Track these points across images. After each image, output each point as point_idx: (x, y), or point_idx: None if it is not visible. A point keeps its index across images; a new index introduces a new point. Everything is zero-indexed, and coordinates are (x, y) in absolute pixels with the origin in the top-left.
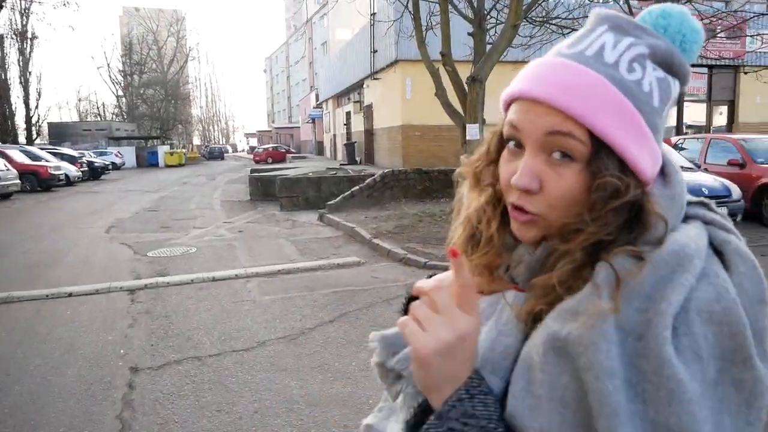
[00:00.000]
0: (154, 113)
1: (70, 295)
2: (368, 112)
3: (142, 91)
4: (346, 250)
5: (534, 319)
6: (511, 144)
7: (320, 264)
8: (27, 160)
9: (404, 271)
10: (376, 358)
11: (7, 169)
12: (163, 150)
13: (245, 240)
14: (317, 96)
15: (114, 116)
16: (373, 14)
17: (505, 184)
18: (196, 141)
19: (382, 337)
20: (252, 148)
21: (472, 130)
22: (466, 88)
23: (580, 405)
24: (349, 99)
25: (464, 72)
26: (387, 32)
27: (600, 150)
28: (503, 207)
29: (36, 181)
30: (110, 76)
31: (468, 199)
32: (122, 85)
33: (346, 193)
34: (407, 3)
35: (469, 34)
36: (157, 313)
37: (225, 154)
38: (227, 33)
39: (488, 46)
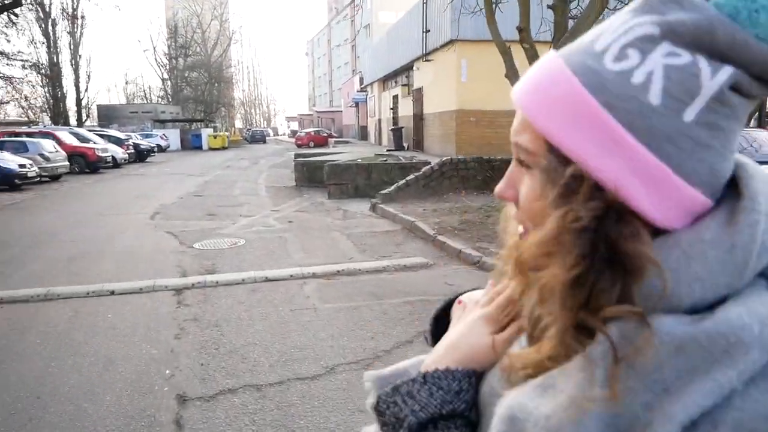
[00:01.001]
0: (198, 96)
1: (112, 293)
2: (418, 95)
3: (186, 74)
4: (408, 247)
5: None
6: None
7: (384, 265)
8: (76, 142)
9: (481, 277)
10: (371, 400)
11: (57, 151)
12: (206, 133)
13: (296, 232)
14: (362, 79)
15: (159, 99)
16: None
17: None
18: (238, 124)
19: (377, 378)
20: (293, 132)
21: None
22: None
23: None
24: (396, 82)
25: (539, 51)
26: (445, 9)
27: (564, 161)
28: None
29: (84, 163)
30: (156, 60)
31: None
32: (167, 68)
33: (401, 182)
34: None
35: (549, 6)
36: (206, 321)
37: (266, 138)
38: (270, 16)
39: (570, 22)
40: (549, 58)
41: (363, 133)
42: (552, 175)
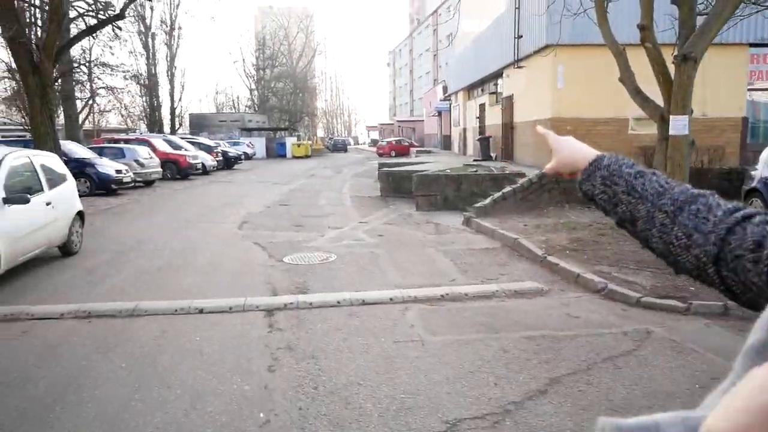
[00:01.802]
0: (283, 106)
1: (201, 311)
2: (507, 103)
3: (272, 85)
4: (514, 269)
5: None
6: None
7: (492, 290)
8: (169, 149)
9: (610, 309)
10: None
11: (151, 158)
12: (290, 141)
13: (388, 247)
14: (445, 88)
15: (247, 108)
16: None
17: None
18: (320, 133)
19: (617, 430)
20: (374, 141)
21: (679, 123)
22: (672, 69)
23: None
24: (483, 90)
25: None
26: (543, 13)
27: None
28: None
29: (176, 169)
30: (244, 71)
31: None
32: (255, 78)
33: (496, 195)
34: None
35: (673, 2)
36: (301, 351)
37: (347, 147)
38: (353, 28)
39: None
40: None
41: (446, 143)
42: None
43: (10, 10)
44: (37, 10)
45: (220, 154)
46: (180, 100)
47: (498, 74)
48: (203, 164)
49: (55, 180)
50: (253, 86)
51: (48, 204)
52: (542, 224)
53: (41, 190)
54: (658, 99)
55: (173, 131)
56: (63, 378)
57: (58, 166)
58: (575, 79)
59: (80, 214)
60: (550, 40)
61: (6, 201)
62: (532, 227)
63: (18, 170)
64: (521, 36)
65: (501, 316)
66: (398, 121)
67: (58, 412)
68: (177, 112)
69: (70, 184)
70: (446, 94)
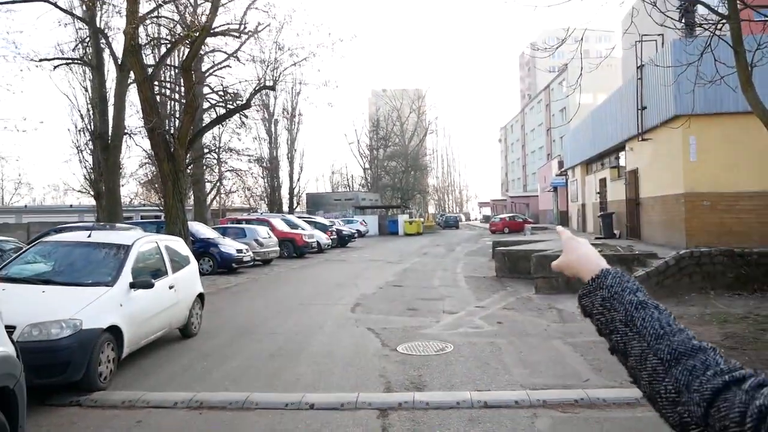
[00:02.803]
0: (396, 183)
1: (312, 407)
2: (631, 178)
3: (385, 164)
4: None
5: None
6: None
7: (636, 396)
8: (286, 228)
9: None
10: None
11: (270, 237)
12: (402, 219)
13: (509, 337)
14: (561, 163)
15: (360, 187)
16: (641, 66)
17: None
18: (431, 209)
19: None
20: (486, 217)
21: None
22: None
23: None
24: (603, 165)
25: None
26: (672, 83)
27: None
28: None
29: (292, 248)
30: (359, 151)
31: None
32: (368, 158)
33: None
34: (708, 41)
35: None
36: None
37: (459, 223)
38: (464, 105)
39: None
40: None
41: (562, 219)
42: None
43: (152, 105)
44: (175, 103)
45: (334, 233)
46: (298, 180)
47: (620, 147)
48: (318, 242)
49: (179, 263)
50: (367, 165)
51: (171, 287)
52: (685, 314)
53: (165, 273)
54: None
55: (291, 210)
56: None
57: (183, 249)
58: (710, 150)
59: (201, 297)
60: (679, 111)
61: (132, 285)
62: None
63: (146, 255)
64: (645, 107)
65: (650, 430)
66: (511, 196)
67: None
68: (295, 191)
69: (193, 267)
70: (562, 169)
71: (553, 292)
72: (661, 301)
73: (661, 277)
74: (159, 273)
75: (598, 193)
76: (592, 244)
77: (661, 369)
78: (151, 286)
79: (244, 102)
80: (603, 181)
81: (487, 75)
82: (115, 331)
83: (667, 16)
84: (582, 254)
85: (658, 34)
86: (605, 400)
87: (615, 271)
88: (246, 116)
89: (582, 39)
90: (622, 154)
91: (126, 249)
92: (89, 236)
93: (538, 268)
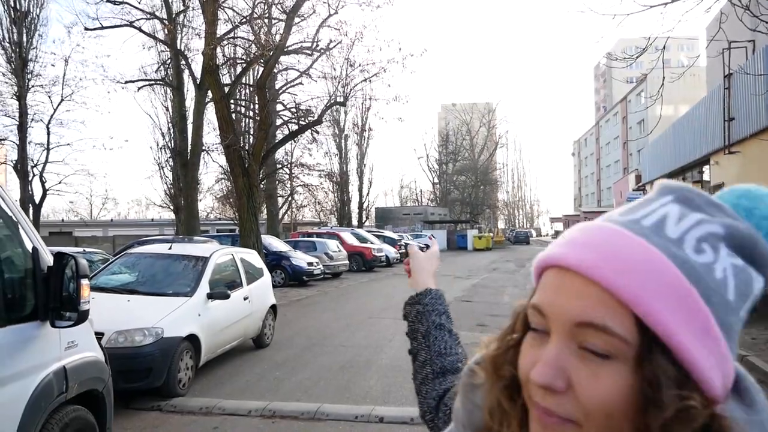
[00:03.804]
0: (465, 198)
1: (381, 420)
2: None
3: (454, 178)
4: None
5: None
6: (536, 330)
7: None
8: (356, 242)
9: None
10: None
11: (339, 251)
12: (471, 234)
13: None
14: (638, 177)
15: (429, 201)
16: (729, 75)
17: (524, 376)
18: (501, 224)
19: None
20: (557, 233)
21: None
22: None
23: None
24: (684, 179)
25: None
26: (757, 93)
27: (652, 348)
28: (523, 403)
29: (361, 262)
30: (428, 165)
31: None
32: (437, 172)
33: None
34: None
35: None
36: None
37: (530, 239)
38: (536, 119)
39: None
40: (623, 234)
41: None
42: (644, 367)
43: (228, 123)
44: (249, 120)
45: (403, 247)
46: (367, 194)
47: (703, 161)
48: (387, 256)
49: (253, 275)
50: (436, 180)
51: (246, 299)
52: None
53: (240, 285)
54: None
55: (360, 224)
56: None
57: (257, 261)
58: None
59: (273, 308)
60: None
61: (209, 296)
62: (762, 342)
63: (222, 267)
64: (733, 118)
65: None
66: (584, 212)
67: None
68: (364, 206)
69: (266, 279)
70: (640, 184)
71: None
72: (751, 324)
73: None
74: (234, 284)
75: None
76: None
77: (431, 376)
78: (227, 297)
79: (316, 118)
80: None
81: (560, 87)
82: (193, 340)
83: (761, 20)
84: (420, 269)
85: (749, 41)
86: None
87: (435, 292)
88: (317, 132)
89: (664, 47)
90: (705, 168)
91: (204, 261)
92: (170, 248)
93: None
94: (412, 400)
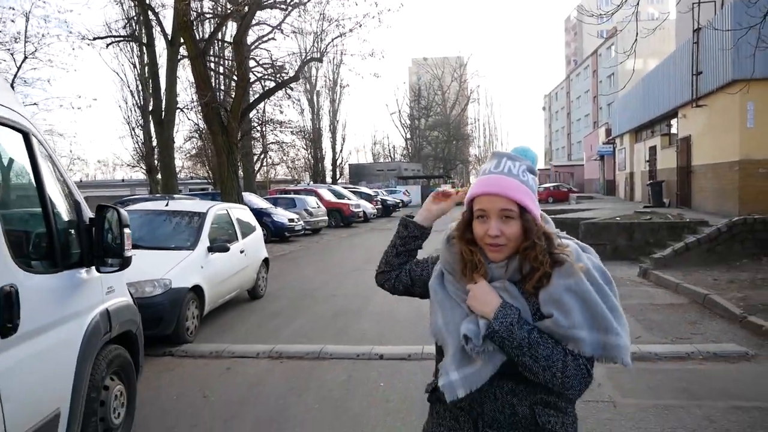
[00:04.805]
0: (437, 154)
1: (381, 357)
2: (683, 145)
3: (427, 134)
4: (708, 328)
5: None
6: (481, 216)
7: (687, 350)
8: (333, 198)
9: None
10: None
11: (318, 207)
12: (445, 188)
13: None
14: (608, 131)
15: (402, 157)
16: (698, 29)
17: (480, 234)
18: (473, 179)
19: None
20: None
21: None
22: None
23: (585, 305)
24: (653, 132)
25: None
26: (732, 47)
27: (523, 212)
28: (477, 245)
29: (340, 218)
30: (400, 121)
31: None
32: (410, 128)
33: (677, 246)
34: None
35: None
36: None
37: None
38: (506, 74)
39: None
40: (503, 177)
41: (609, 188)
42: (523, 221)
43: (205, 80)
44: (222, 77)
45: (379, 203)
46: (341, 151)
47: (671, 114)
48: (364, 212)
49: (246, 230)
50: (409, 136)
51: (242, 252)
52: (736, 279)
53: (236, 239)
54: None
55: (334, 181)
56: (266, 415)
57: (249, 217)
58: None
59: (266, 261)
60: (737, 75)
61: (210, 249)
62: (724, 282)
63: (218, 221)
64: (701, 72)
65: (701, 381)
66: (555, 166)
67: None
68: (338, 162)
69: (259, 233)
70: (610, 137)
71: (602, 258)
72: (711, 266)
73: (712, 244)
74: (231, 238)
75: (648, 161)
76: (639, 212)
77: (404, 255)
78: (227, 249)
79: (293, 75)
80: (653, 149)
81: (531, 41)
82: (197, 291)
83: None
84: (426, 207)
85: None
86: (657, 354)
87: (428, 229)
88: (291, 89)
89: (638, 3)
90: (674, 121)
91: (202, 216)
92: (167, 205)
93: (587, 235)
94: (405, 340)
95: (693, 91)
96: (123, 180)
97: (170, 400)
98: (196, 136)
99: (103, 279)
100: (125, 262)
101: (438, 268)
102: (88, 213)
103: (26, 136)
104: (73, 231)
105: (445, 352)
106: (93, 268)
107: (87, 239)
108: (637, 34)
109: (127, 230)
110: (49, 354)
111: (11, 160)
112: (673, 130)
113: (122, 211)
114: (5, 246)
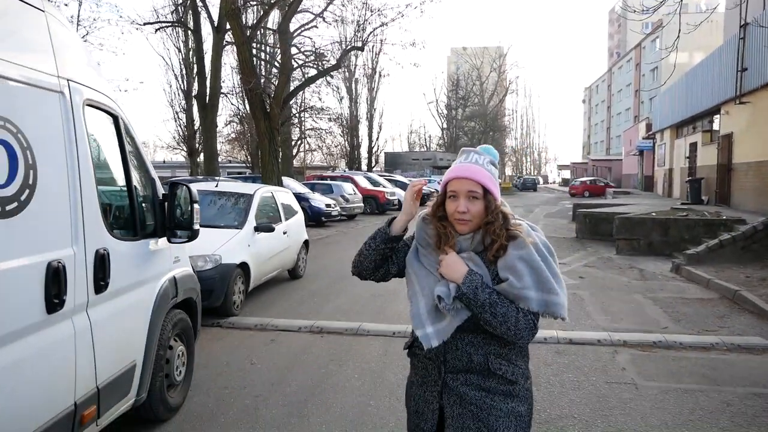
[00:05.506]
0: (474, 144)
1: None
2: (725, 143)
3: (464, 124)
4: (735, 322)
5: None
6: (452, 196)
7: (711, 341)
8: (369, 186)
9: None
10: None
11: (355, 193)
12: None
13: (591, 290)
14: (649, 126)
15: (438, 147)
16: (745, 25)
17: (451, 211)
18: (508, 171)
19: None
20: (565, 181)
21: None
22: None
23: (533, 271)
24: (695, 128)
25: None
26: None
27: (486, 193)
28: (448, 221)
29: (375, 205)
30: (437, 111)
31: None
32: (446, 118)
33: (712, 242)
34: None
35: None
36: None
37: (537, 186)
38: (546, 65)
39: None
40: (472, 166)
41: (647, 183)
42: (486, 201)
43: (250, 67)
44: (264, 63)
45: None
46: (377, 139)
47: (714, 111)
48: (399, 200)
49: (289, 212)
50: (445, 125)
51: (284, 233)
52: None
53: (280, 220)
54: None
55: (369, 169)
56: (309, 382)
57: (292, 200)
58: None
59: (306, 243)
60: None
61: (256, 229)
62: (756, 279)
63: (264, 203)
64: (746, 69)
65: (723, 369)
66: (593, 160)
67: (310, 408)
68: (374, 150)
69: (300, 216)
70: (650, 132)
71: (635, 253)
72: (745, 264)
73: (748, 242)
74: (275, 220)
75: (687, 157)
76: (675, 209)
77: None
78: (272, 229)
79: (335, 63)
80: (693, 146)
81: (573, 32)
82: (244, 267)
83: None
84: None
85: None
86: (682, 343)
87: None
88: (332, 76)
89: None
90: (716, 118)
91: (249, 198)
92: (216, 186)
93: (621, 229)
94: None
95: (737, 87)
96: (164, 162)
97: (221, 365)
98: (236, 120)
99: (172, 249)
100: (194, 234)
101: (414, 244)
102: (161, 189)
103: (116, 120)
104: (148, 205)
105: (417, 312)
106: (164, 238)
107: (160, 213)
108: (680, 30)
109: (196, 206)
110: (129, 312)
111: (105, 141)
112: (715, 127)
113: (192, 188)
114: (101, 216)
